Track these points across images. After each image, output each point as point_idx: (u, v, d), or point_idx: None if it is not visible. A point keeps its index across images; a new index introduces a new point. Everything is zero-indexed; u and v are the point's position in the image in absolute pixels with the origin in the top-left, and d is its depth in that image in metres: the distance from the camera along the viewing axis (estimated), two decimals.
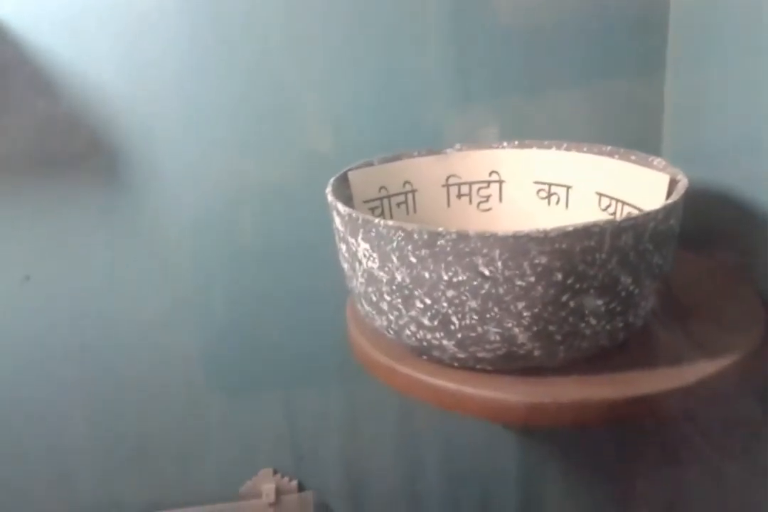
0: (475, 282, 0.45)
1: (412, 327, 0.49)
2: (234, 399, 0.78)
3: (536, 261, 0.43)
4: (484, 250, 0.43)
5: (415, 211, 0.64)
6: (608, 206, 0.59)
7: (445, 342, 0.48)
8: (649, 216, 0.44)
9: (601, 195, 0.59)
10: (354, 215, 0.48)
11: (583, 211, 0.61)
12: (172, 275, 0.71)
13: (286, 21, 0.64)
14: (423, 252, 0.45)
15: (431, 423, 0.84)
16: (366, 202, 0.61)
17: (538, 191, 0.64)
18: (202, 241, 0.70)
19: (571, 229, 0.42)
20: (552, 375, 0.49)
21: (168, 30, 0.63)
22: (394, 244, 0.46)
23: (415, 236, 0.45)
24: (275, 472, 0.85)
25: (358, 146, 0.68)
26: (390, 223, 0.46)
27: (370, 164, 0.62)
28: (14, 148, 0.65)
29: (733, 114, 0.62)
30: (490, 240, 0.43)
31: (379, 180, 0.62)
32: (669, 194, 0.51)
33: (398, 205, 0.64)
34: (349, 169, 0.60)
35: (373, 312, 0.51)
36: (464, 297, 0.45)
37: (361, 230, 0.48)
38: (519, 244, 0.43)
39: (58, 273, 0.68)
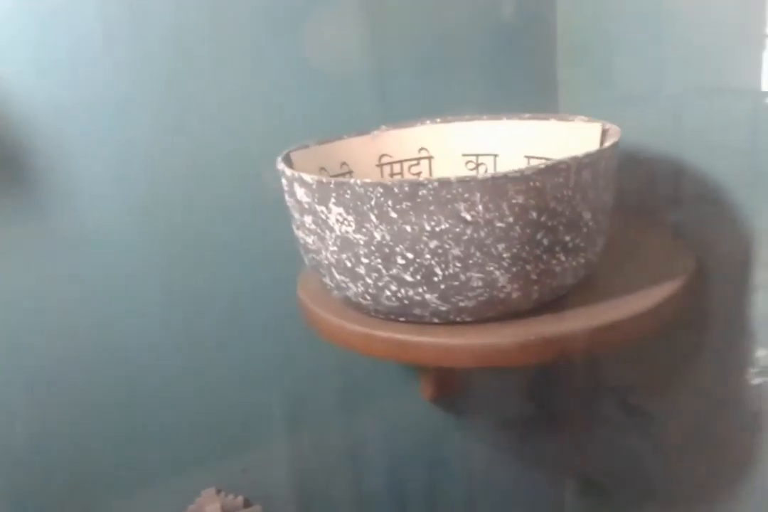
0: (457, 229, 0.46)
1: (393, 287, 0.49)
2: (168, 413, 0.73)
3: (513, 201, 0.46)
4: (465, 195, 0.45)
5: None
6: None
7: (428, 296, 0.49)
8: (602, 152, 0.49)
9: (530, 157, 0.63)
10: (325, 180, 0.48)
11: None
12: (92, 280, 0.66)
13: (204, 14, 0.63)
14: (404, 205, 0.46)
15: (375, 427, 0.84)
16: None
17: (467, 163, 0.67)
18: (123, 243, 0.66)
19: (543, 166, 0.45)
20: (528, 316, 0.51)
21: (79, 24, 0.59)
22: (373, 202, 0.47)
23: (395, 189, 0.46)
24: (218, 491, 0.80)
25: (280, 136, 0.68)
26: (367, 180, 0.46)
27: (306, 146, 0.62)
28: None
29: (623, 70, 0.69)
30: (471, 184, 0.45)
31: (318, 161, 0.62)
32: (602, 143, 0.56)
33: None
34: (290, 151, 0.60)
35: (347, 280, 0.51)
36: (447, 246, 0.47)
37: (334, 194, 0.48)
38: (498, 185, 0.45)
39: None
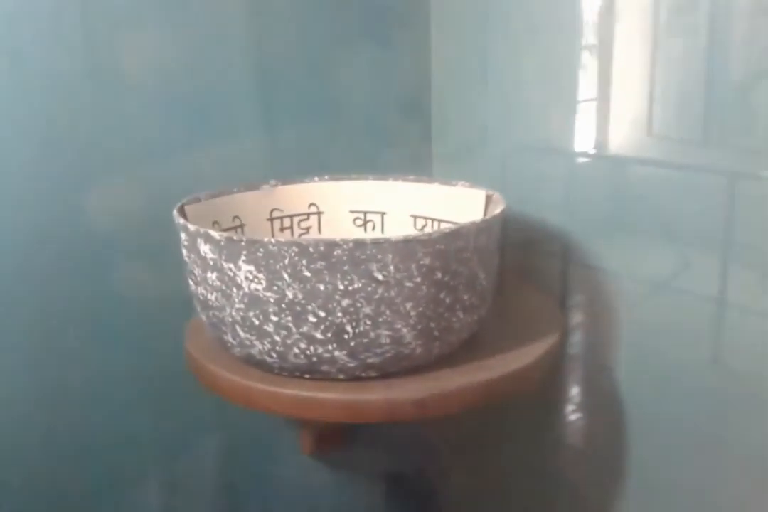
0: (369, 288, 0.48)
1: (302, 344, 0.49)
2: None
3: (422, 262, 0.48)
4: (379, 256, 0.47)
5: None
6: (424, 226, 0.67)
7: (337, 353, 0.50)
8: (495, 218, 0.53)
9: (415, 217, 0.67)
10: (236, 237, 0.48)
11: (400, 233, 0.68)
12: None
13: (88, 52, 0.61)
14: (319, 264, 0.47)
15: (251, 481, 0.81)
16: None
17: (355, 219, 0.70)
18: None
19: (447, 230, 0.49)
20: (428, 371, 0.53)
21: None
22: (286, 261, 0.47)
23: (311, 249, 0.47)
24: None
25: (163, 184, 0.66)
26: (282, 239, 0.47)
27: (198, 200, 0.61)
28: None
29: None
30: (384, 245, 0.47)
31: (211, 214, 0.61)
32: (486, 207, 0.60)
33: None
34: (184, 203, 0.58)
35: (252, 337, 0.51)
36: (359, 304, 0.48)
37: (245, 252, 0.48)
38: (408, 247, 0.47)
39: None
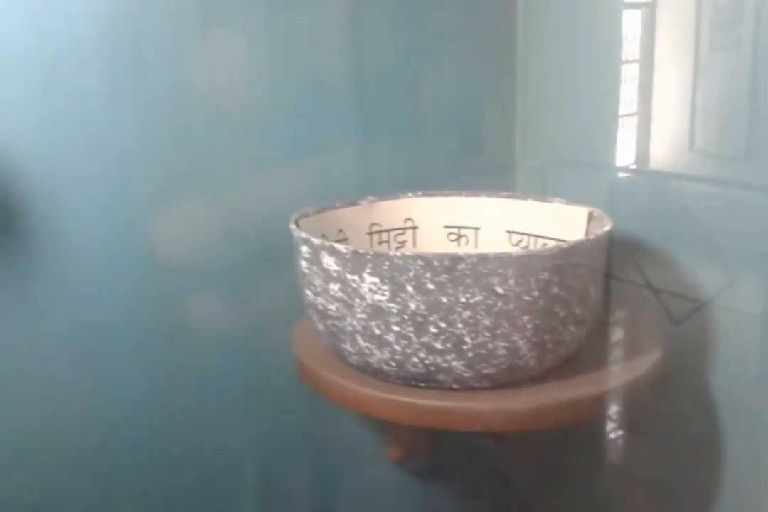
0: (489, 301, 0.50)
1: (422, 354, 0.52)
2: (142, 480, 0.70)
3: (540, 276, 0.50)
4: (500, 270, 0.49)
5: None
6: (520, 241, 0.69)
7: (454, 363, 0.52)
8: (605, 234, 0.55)
9: (511, 232, 0.69)
10: (362, 251, 0.50)
11: (494, 248, 0.70)
12: (76, 344, 0.63)
13: (208, 79, 0.64)
14: (442, 277, 0.49)
15: (340, 489, 0.83)
16: None
17: (449, 234, 0.72)
18: (112, 309, 0.64)
19: (566, 246, 0.50)
20: (540, 382, 0.55)
21: (85, 88, 0.58)
22: (411, 274, 0.49)
23: (435, 263, 0.49)
24: None
25: (269, 199, 0.69)
26: (407, 253, 0.49)
27: (307, 214, 0.64)
28: None
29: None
30: (506, 260, 0.49)
31: (319, 228, 0.64)
32: (588, 224, 0.62)
33: None
34: (298, 218, 0.61)
35: (372, 346, 0.53)
36: (479, 316, 0.50)
37: (370, 265, 0.50)
38: (529, 262, 0.49)
39: None
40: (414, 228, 0.72)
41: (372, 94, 0.74)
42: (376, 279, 0.50)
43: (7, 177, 0.58)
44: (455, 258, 0.49)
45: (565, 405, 0.53)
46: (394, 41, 0.74)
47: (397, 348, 0.52)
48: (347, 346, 0.55)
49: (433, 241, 0.72)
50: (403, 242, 0.72)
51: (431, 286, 0.49)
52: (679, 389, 0.66)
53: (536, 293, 0.50)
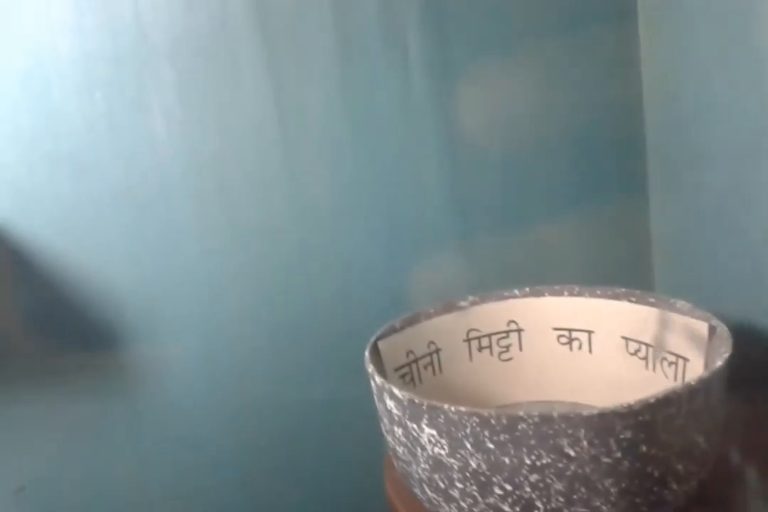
0: (560, 464, 0.43)
1: None
2: None
3: (621, 436, 0.42)
4: (569, 431, 0.42)
5: (441, 370, 0.63)
6: (637, 350, 0.60)
7: None
8: (715, 373, 0.45)
9: (627, 339, 0.60)
10: (417, 401, 0.46)
11: (609, 355, 0.61)
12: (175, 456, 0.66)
13: (292, 191, 0.65)
14: (502, 437, 0.43)
15: None
16: (396, 369, 0.60)
17: (559, 337, 0.65)
18: (208, 422, 0.66)
19: (653, 400, 0.42)
20: None
21: (173, 216, 0.62)
22: (468, 430, 0.44)
23: (493, 421, 0.43)
24: None
25: (364, 293, 0.68)
26: (462, 408, 0.44)
27: (394, 329, 0.61)
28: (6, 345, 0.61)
29: (722, 245, 0.66)
30: (575, 420, 0.42)
31: (405, 345, 0.61)
32: (709, 339, 0.52)
33: (425, 367, 0.62)
34: (378, 338, 0.58)
35: (440, 499, 0.49)
36: (549, 480, 0.43)
37: (426, 416, 0.46)
38: (604, 422, 0.42)
39: (58, 481, 0.62)
40: (519, 330, 0.65)
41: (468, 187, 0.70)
42: (434, 432, 0.46)
43: (109, 304, 0.62)
44: (514, 418, 0.43)
45: None
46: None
47: (463, 505, 0.47)
48: (417, 492, 0.51)
49: (542, 345, 0.65)
50: (508, 346, 0.66)
51: (491, 445, 0.44)
52: None
53: (618, 454, 0.43)
